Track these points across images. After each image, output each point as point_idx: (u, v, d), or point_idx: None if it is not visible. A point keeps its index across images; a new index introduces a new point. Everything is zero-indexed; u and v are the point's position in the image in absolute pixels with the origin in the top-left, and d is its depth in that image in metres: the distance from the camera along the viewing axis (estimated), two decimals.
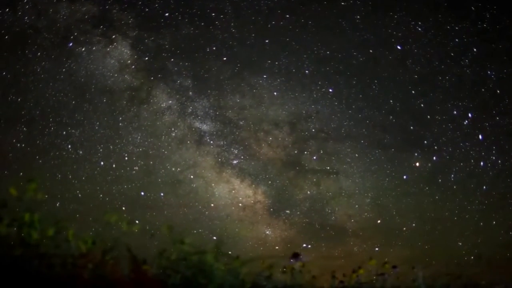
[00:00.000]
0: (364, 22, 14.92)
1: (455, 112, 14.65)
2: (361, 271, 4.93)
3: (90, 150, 16.01)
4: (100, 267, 2.93)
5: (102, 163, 15.97)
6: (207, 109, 16.49)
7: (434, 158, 14.72)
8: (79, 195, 15.43)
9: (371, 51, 15.40)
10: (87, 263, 2.92)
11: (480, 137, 13.96)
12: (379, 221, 14.46)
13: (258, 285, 4.29)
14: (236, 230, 15.59)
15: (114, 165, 16.00)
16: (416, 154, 15.17)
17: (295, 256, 4.51)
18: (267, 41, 15.99)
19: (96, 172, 15.89)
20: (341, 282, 5.30)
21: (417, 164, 14.70)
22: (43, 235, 3.04)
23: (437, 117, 14.97)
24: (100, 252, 3.04)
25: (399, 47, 14.86)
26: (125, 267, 2.98)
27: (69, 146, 15.79)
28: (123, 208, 15.32)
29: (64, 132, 15.86)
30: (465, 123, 14.40)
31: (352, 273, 4.98)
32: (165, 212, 15.89)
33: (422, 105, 15.02)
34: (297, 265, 4.38)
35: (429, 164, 14.86)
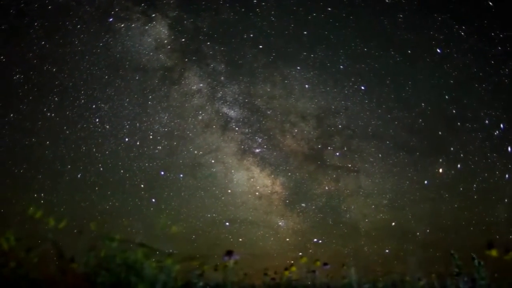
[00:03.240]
0: (406, 21, 14.80)
1: (486, 122, 14.80)
2: (293, 268, 5.01)
3: (117, 125, 15.64)
4: (24, 266, 2.78)
5: (126, 139, 15.65)
6: (236, 96, 16.28)
7: (459, 166, 14.84)
8: (101, 169, 15.15)
9: (409, 51, 15.25)
10: (9, 261, 2.76)
11: (509, 149, 14.19)
12: (393, 224, 14.49)
13: (191, 282, 4.26)
14: (250, 218, 15.51)
15: (138, 143, 15.72)
16: (440, 160, 15.28)
17: (229, 253, 4.50)
18: (305, 32, 15.82)
19: (119, 148, 15.59)
20: (273, 279, 5.38)
21: (440, 170, 14.82)
22: None
23: (467, 124, 15.05)
24: (24, 250, 2.88)
25: (438, 50, 14.82)
26: (51, 265, 2.85)
27: (97, 120, 15.42)
28: (142, 185, 15.11)
29: (94, 106, 15.52)
30: (495, 133, 14.56)
31: (284, 270, 5.06)
32: (182, 194, 15.64)
33: (454, 111, 15.05)
34: (230, 262, 4.37)
35: (453, 172, 15.01)
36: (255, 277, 5.49)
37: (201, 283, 4.31)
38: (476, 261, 4.02)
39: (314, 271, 5.12)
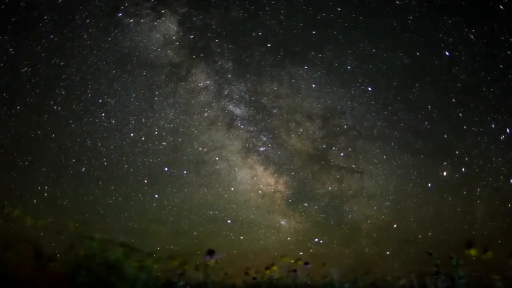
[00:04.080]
0: (416, 23, 14.65)
1: (493, 126, 14.68)
2: (274, 267, 5.00)
3: (123, 120, 15.62)
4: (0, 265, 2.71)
5: (132, 134, 15.64)
6: (243, 94, 16.23)
7: (463, 169, 14.70)
8: (105, 163, 15.15)
9: (418, 53, 15.11)
10: None
11: None
12: (395, 226, 14.41)
13: (171, 282, 4.22)
14: (252, 216, 15.50)
15: (143, 138, 15.70)
16: (445, 163, 15.15)
17: (210, 253, 4.47)
18: (314, 32, 15.77)
19: (124, 143, 15.58)
20: (254, 278, 5.36)
21: (445, 173, 14.76)
22: None
23: (473, 128, 14.91)
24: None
25: (447, 53, 14.65)
26: (29, 264, 2.79)
27: (103, 115, 15.40)
28: (145, 181, 15.12)
29: (100, 100, 15.42)
30: (501, 138, 14.51)
31: (265, 269, 5.05)
32: (185, 190, 15.61)
33: (460, 114, 14.97)
34: (212, 262, 4.34)
35: (457, 175, 14.90)
36: (236, 276, 5.47)
37: (181, 283, 4.27)
38: (454, 260, 4.07)
39: (295, 271, 5.12)
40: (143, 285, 3.29)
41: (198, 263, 4.52)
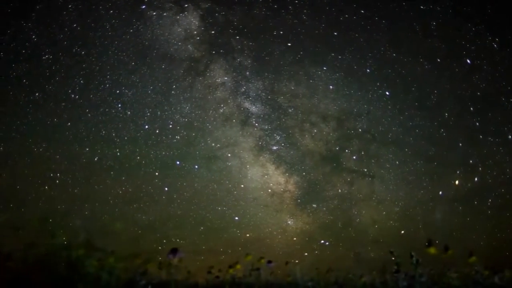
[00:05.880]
0: (439, 29, 14.46)
1: (510, 137, 14.73)
2: (238, 266, 4.99)
3: (138, 112, 15.66)
4: None
5: (146, 126, 15.44)
6: (260, 92, 15.99)
7: (476, 179, 14.64)
8: (118, 154, 15.02)
9: (438, 60, 14.96)
10: None
11: None
12: (402, 232, 14.30)
13: (134, 281, 4.12)
14: (259, 214, 15.26)
15: (157, 131, 15.52)
16: (458, 172, 15.02)
17: (173, 251, 4.40)
18: (335, 33, 15.59)
19: (139, 134, 15.37)
20: (217, 277, 5.33)
21: (457, 182, 14.68)
22: None
23: (489, 138, 14.87)
24: None
25: (468, 61, 14.55)
26: None
27: (119, 105, 15.32)
28: (156, 173, 15.20)
29: (118, 91, 15.53)
30: None
31: (228, 268, 5.03)
32: (195, 185, 15.35)
33: (477, 123, 14.92)
34: (175, 260, 4.28)
35: (469, 184, 14.83)
36: (199, 275, 5.43)
37: (143, 282, 4.19)
38: (414, 259, 4.16)
39: (258, 269, 5.11)
40: (104, 284, 3.21)
41: (160, 261, 4.45)
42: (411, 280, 4.29)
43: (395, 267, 4.41)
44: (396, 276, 4.45)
